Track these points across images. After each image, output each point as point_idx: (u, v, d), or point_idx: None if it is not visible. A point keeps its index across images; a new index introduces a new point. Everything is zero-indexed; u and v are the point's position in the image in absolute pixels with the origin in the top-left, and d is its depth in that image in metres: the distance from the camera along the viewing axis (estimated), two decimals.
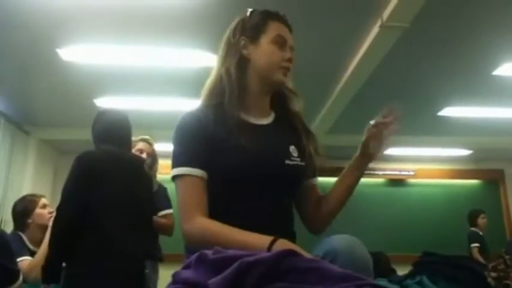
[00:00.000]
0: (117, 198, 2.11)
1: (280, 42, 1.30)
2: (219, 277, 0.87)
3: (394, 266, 4.35)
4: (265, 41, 1.30)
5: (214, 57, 1.40)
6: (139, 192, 2.24)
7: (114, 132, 2.28)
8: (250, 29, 1.31)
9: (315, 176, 1.39)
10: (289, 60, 1.31)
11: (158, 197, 2.83)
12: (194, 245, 1.14)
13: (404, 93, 4.57)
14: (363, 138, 1.32)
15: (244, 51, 1.31)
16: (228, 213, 1.19)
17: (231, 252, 0.97)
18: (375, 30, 3.21)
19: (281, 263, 0.91)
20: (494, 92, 4.46)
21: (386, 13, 3.00)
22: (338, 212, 1.37)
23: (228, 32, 1.35)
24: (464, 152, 6.52)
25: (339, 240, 1.12)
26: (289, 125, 1.37)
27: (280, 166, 1.26)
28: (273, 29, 1.31)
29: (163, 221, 2.87)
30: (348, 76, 3.95)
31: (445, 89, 4.51)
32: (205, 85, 1.35)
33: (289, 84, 1.36)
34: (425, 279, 2.92)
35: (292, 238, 1.25)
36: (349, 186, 1.34)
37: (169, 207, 2.99)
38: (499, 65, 3.88)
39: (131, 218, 2.14)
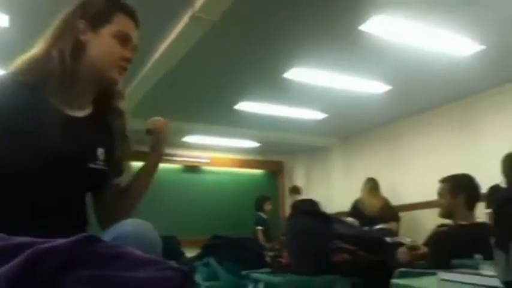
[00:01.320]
0: None
1: (122, 39, 1.21)
2: (7, 267, 0.78)
3: (186, 249, 4.53)
4: (107, 33, 1.19)
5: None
6: None
7: None
8: (94, 15, 1.19)
9: (118, 176, 1.33)
10: (128, 60, 1.23)
11: None
12: None
13: (206, 84, 4.74)
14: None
15: (82, 37, 1.18)
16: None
17: (20, 239, 0.87)
18: (185, 20, 3.25)
19: (81, 249, 0.86)
20: (282, 92, 5.00)
21: (197, 4, 3.06)
22: (138, 203, 1.34)
23: (66, 11, 1.20)
24: (254, 144, 7.15)
25: (127, 225, 1.10)
26: (104, 124, 1.28)
27: (82, 168, 1.17)
28: (119, 23, 1.20)
29: None
30: (153, 62, 3.92)
31: (242, 85, 4.85)
32: (24, 58, 1.17)
33: (120, 83, 1.27)
34: (212, 261, 3.13)
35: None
36: (147, 182, 1.33)
37: None
38: (289, 69, 4.36)
39: None
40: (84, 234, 0.88)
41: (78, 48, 1.18)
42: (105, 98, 1.28)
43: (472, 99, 5.22)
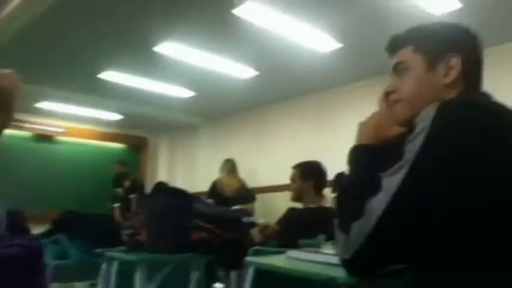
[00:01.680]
0: None
1: None
2: None
3: (34, 225, 4.16)
4: None
5: None
6: None
7: None
8: None
9: None
10: None
11: None
12: None
13: (67, 47, 4.36)
14: None
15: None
16: None
17: None
18: None
19: None
20: (151, 66, 4.84)
21: None
22: None
23: None
24: (116, 117, 6.84)
25: None
26: None
27: None
28: None
29: None
30: (11, 8, 3.47)
31: (108, 53, 4.57)
32: None
33: None
34: (62, 237, 2.93)
35: None
36: None
37: None
38: (160, 43, 4.23)
39: None
40: None
41: None
42: None
43: (329, 92, 5.68)
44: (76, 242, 2.83)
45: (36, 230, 3.92)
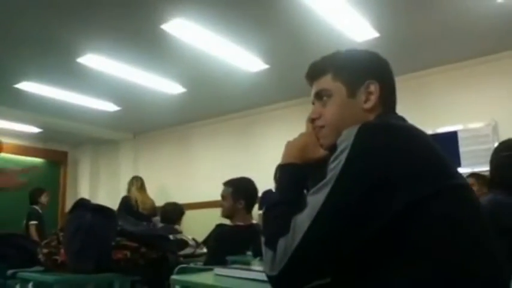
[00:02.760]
0: None
1: None
2: None
3: None
4: None
5: None
6: None
7: None
8: None
9: None
10: None
11: None
12: None
13: None
14: None
15: None
16: None
17: None
18: None
19: None
20: (75, 78, 4.65)
21: None
22: None
23: None
24: (34, 130, 6.47)
25: None
26: None
27: None
28: None
29: None
30: None
31: (26, 63, 4.32)
32: None
33: None
34: None
35: None
36: None
37: None
38: (84, 55, 4.09)
39: None
40: None
41: None
42: None
43: (254, 111, 5.82)
44: None
45: None
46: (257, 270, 1.37)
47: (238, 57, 4.15)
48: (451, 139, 4.32)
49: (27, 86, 4.85)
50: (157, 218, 5.09)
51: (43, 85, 4.86)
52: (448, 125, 4.40)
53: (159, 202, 5.58)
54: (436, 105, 4.49)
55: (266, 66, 4.40)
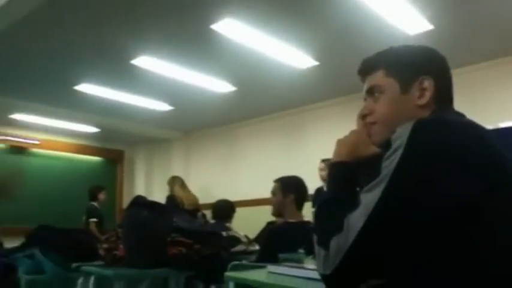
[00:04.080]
0: None
1: None
2: None
3: (6, 240, 4.08)
4: None
5: None
6: None
7: None
8: None
9: None
10: None
11: None
12: None
13: (42, 59, 4.30)
14: None
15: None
16: None
17: None
18: None
19: None
20: (129, 79, 4.83)
21: None
22: None
23: None
24: (92, 129, 6.76)
25: None
26: None
27: None
28: None
29: None
30: None
31: (84, 65, 4.53)
32: None
33: None
34: (36, 252, 2.87)
35: None
36: None
37: None
38: (137, 56, 4.23)
39: None
40: None
41: None
42: None
43: (303, 108, 5.78)
44: (51, 256, 2.77)
45: (10, 244, 3.86)
46: (311, 268, 1.37)
47: (287, 54, 4.15)
48: None
49: (86, 88, 5.08)
50: (200, 214, 5.22)
51: (100, 86, 5.07)
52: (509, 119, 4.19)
53: (207, 199, 5.70)
54: (497, 99, 4.29)
55: (316, 63, 4.36)
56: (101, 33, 3.80)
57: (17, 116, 5.93)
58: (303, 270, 1.41)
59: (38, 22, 3.47)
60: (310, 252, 1.64)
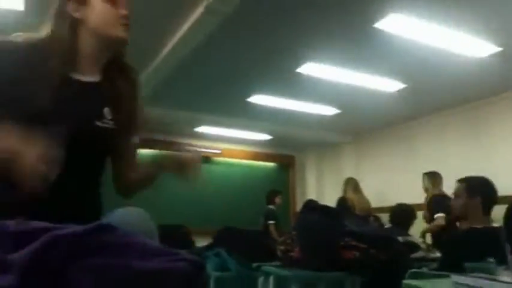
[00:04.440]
0: None
1: (112, 0, 1.25)
2: (21, 251, 0.78)
3: (196, 239, 4.56)
4: (96, 1, 1.24)
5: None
6: None
7: None
8: None
9: (132, 136, 1.35)
10: (126, 16, 1.27)
11: None
12: None
13: (219, 76, 4.74)
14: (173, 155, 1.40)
15: (76, 14, 1.23)
16: None
17: (36, 223, 0.87)
18: (200, 10, 3.23)
19: (94, 237, 0.86)
20: (296, 87, 4.98)
21: None
22: (143, 186, 1.40)
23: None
24: (266, 137, 7.15)
25: (124, 213, 1.11)
26: (114, 88, 1.30)
27: (89, 126, 1.20)
28: None
29: None
30: (166, 53, 3.93)
31: (254, 78, 4.84)
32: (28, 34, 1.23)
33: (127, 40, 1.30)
34: (222, 251, 3.14)
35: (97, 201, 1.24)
36: (150, 176, 1.40)
37: None
38: (302, 64, 4.34)
39: None
40: (97, 222, 0.88)
41: (76, 24, 1.24)
42: (113, 65, 1.32)
43: (486, 101, 5.16)
44: (235, 255, 3.00)
45: (200, 243, 4.31)
46: (506, 281, 1.19)
47: (462, 43, 3.77)
48: None
49: (257, 99, 5.41)
50: (371, 218, 5.02)
51: (269, 96, 5.35)
52: None
53: (381, 203, 5.50)
54: None
55: (498, 49, 3.87)
56: (268, 47, 4.01)
57: (202, 129, 6.61)
58: (497, 283, 1.24)
59: (216, 43, 3.80)
60: (502, 262, 1.43)
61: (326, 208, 2.60)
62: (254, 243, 3.06)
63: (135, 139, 1.36)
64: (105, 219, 1.08)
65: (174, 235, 3.53)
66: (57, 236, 0.83)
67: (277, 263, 2.58)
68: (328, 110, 5.80)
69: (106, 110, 1.23)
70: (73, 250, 0.83)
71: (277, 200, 6.28)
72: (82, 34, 1.24)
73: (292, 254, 2.47)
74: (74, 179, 1.16)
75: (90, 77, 1.26)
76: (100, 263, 0.84)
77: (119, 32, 1.26)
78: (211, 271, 2.96)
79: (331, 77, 4.61)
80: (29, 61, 1.14)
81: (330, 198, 6.70)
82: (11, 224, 0.85)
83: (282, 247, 2.55)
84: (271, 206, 6.24)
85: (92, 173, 1.26)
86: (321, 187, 7.75)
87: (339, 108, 5.73)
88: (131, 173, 1.36)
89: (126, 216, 1.09)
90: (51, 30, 1.23)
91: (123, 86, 1.31)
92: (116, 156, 1.34)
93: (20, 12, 3.19)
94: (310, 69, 4.43)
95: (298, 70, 4.46)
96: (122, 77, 1.32)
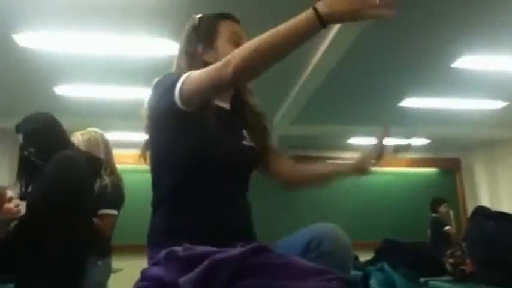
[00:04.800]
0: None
1: (235, 40, 1.34)
2: (189, 275, 0.87)
3: (356, 253, 4.48)
4: (222, 42, 1.34)
5: (176, 45, 1.42)
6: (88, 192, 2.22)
7: (58, 135, 2.20)
8: (204, 36, 1.34)
9: (269, 141, 1.46)
10: None
11: (104, 195, 2.58)
12: (247, 67, 1.06)
13: (366, 85, 4.65)
14: (365, 154, 1.44)
15: (205, 57, 1.33)
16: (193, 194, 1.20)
17: (200, 249, 0.96)
18: (337, 25, 3.22)
19: (251, 260, 0.91)
20: (452, 83, 4.60)
21: None
22: (310, 182, 1.51)
23: (184, 43, 1.39)
24: (423, 142, 6.73)
25: (324, 227, 1.15)
26: (243, 115, 1.41)
27: (239, 146, 1.31)
28: (225, 29, 1.35)
29: (97, 221, 2.59)
30: (310, 70, 3.98)
31: (405, 81, 4.61)
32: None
33: None
34: (386, 266, 3.02)
35: (252, 225, 1.31)
36: (325, 177, 1.50)
37: (110, 207, 2.70)
38: (458, 58, 4.00)
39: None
40: (254, 245, 0.94)
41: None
42: (238, 95, 1.42)
43: None
44: (400, 270, 2.86)
45: (362, 257, 4.22)
46: None
47: None
48: None
49: (410, 102, 5.14)
50: None
51: (424, 98, 5.04)
52: None
53: None
54: None
55: None
56: (417, 48, 3.79)
57: (354, 140, 6.53)
58: None
59: (359, 52, 3.71)
60: None
61: (500, 215, 2.32)
62: (420, 256, 2.87)
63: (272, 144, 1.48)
64: (307, 233, 1.14)
65: None
66: (220, 259, 0.90)
67: (448, 278, 2.38)
68: (494, 104, 5.23)
69: (245, 132, 1.35)
70: (234, 272, 0.90)
71: (442, 208, 5.83)
72: None
73: (463, 267, 2.26)
74: (240, 195, 1.31)
75: (225, 104, 1.37)
76: (259, 284, 0.90)
77: None
78: (377, 287, 2.86)
79: (493, 67, 4.16)
80: None
81: (508, 204, 5.99)
82: (180, 249, 0.95)
83: (451, 260, 2.36)
84: (435, 215, 5.82)
85: (246, 189, 1.36)
86: (495, 191, 6.94)
87: (506, 100, 5.12)
88: (286, 169, 1.45)
89: (330, 230, 1.15)
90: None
91: (248, 111, 1.41)
92: (265, 167, 1.44)
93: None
94: (466, 62, 4.06)
95: (453, 65, 4.13)
96: (246, 105, 1.42)
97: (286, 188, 1.48)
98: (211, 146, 1.22)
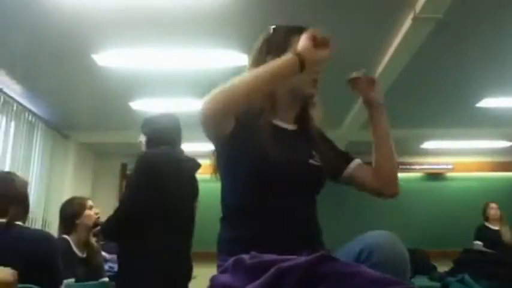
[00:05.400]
0: (173, 201, 2.28)
1: None
2: (256, 283, 0.88)
3: (433, 262, 4.28)
4: None
5: (245, 56, 1.44)
6: (191, 196, 2.45)
7: (170, 135, 2.46)
8: (276, 48, 1.33)
9: (353, 159, 1.45)
10: (318, 72, 1.34)
11: None
12: (217, 107, 1.17)
13: (440, 86, 4.46)
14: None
15: None
16: (257, 213, 1.22)
17: (267, 257, 0.97)
18: (408, 22, 3.13)
19: (318, 268, 0.91)
20: None
21: (419, 5, 2.93)
22: (394, 164, 1.44)
23: (254, 52, 1.40)
24: (504, 144, 6.31)
25: (376, 235, 1.11)
26: (310, 134, 1.41)
27: (305, 165, 1.30)
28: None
29: None
30: (382, 70, 3.87)
31: (483, 80, 4.36)
32: None
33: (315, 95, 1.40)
34: (467, 277, 2.86)
35: (319, 235, 1.30)
36: (383, 133, 1.44)
37: None
38: None
39: (184, 224, 2.38)
40: (319, 253, 0.94)
41: None
42: (304, 114, 1.42)
43: None
44: (482, 282, 2.69)
45: (440, 267, 4.04)
46: None
47: None
48: None
49: (489, 102, 4.87)
50: None
51: (504, 97, 4.77)
52: None
53: None
54: None
55: None
56: (496, 39, 3.53)
57: (427, 145, 6.26)
58: None
59: (429, 52, 3.56)
60: None
61: None
62: (502, 267, 2.68)
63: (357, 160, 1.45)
64: (359, 241, 1.12)
65: (411, 259, 3.36)
66: (286, 267, 0.91)
67: None
68: None
69: (313, 151, 1.35)
70: (300, 280, 0.90)
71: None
72: (280, 89, 1.33)
73: None
74: (308, 208, 1.31)
75: (288, 124, 1.38)
76: None
77: (309, 89, 1.35)
78: None
79: None
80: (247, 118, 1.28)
81: None
82: (246, 258, 0.97)
83: None
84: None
85: (314, 202, 1.35)
86: None
87: None
88: (381, 176, 1.41)
89: (385, 238, 1.10)
90: None
91: (312, 129, 1.41)
92: (359, 179, 1.43)
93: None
94: None
95: None
96: (311, 123, 1.42)
97: (381, 194, 1.43)
98: (269, 169, 1.22)
